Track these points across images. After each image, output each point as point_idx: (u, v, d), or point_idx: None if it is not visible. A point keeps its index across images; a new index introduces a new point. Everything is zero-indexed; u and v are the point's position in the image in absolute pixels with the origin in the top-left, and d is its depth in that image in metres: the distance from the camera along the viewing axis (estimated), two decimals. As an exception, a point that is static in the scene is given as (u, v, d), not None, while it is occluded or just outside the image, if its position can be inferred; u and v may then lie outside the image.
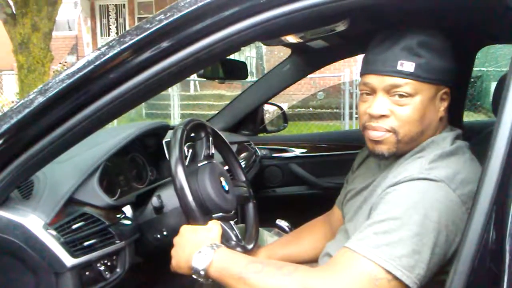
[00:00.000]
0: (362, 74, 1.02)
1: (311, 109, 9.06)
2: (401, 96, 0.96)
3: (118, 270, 1.17)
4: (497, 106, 1.10)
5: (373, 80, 0.98)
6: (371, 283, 0.83)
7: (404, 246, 0.84)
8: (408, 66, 0.95)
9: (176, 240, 1.04)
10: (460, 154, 0.98)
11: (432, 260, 0.85)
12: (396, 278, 0.83)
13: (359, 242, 0.88)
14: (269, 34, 0.89)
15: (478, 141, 1.18)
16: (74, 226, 1.08)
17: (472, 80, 1.95)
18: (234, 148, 1.51)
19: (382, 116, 0.97)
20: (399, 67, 0.95)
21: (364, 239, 0.87)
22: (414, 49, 0.95)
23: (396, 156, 1.01)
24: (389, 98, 0.97)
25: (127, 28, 10.33)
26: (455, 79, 1.01)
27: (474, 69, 1.88)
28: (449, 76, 0.99)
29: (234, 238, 1.12)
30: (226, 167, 1.41)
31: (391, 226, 0.86)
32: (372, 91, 0.99)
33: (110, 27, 12.48)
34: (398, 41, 0.97)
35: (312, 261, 1.25)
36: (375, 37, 1.02)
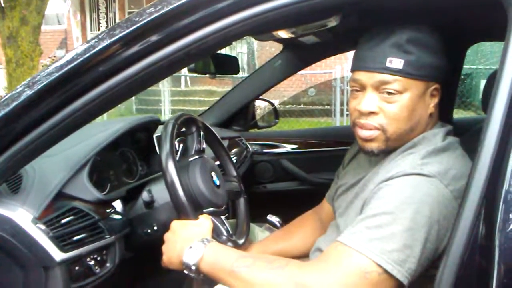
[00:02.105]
0: (352, 70, 1.02)
1: (302, 105, 9.08)
2: (390, 93, 0.96)
3: (108, 265, 1.17)
4: (486, 103, 1.11)
5: (363, 76, 0.98)
6: (362, 276, 0.83)
7: (396, 240, 0.84)
8: (397, 63, 0.95)
9: (167, 235, 1.04)
10: (452, 150, 0.98)
11: (423, 255, 0.86)
12: (386, 272, 0.83)
13: (351, 236, 0.88)
14: (261, 28, 0.89)
15: (467, 137, 1.19)
16: (63, 221, 1.08)
17: (462, 77, 1.96)
18: (225, 143, 1.51)
19: (371, 113, 0.98)
20: (388, 64, 0.95)
21: (356, 233, 0.88)
22: (403, 45, 0.95)
23: (386, 152, 1.02)
24: (378, 95, 0.97)
25: (118, 22, 10.23)
26: (445, 76, 1.01)
27: (464, 66, 1.89)
28: (439, 72, 1.00)
29: (225, 233, 1.12)
30: (217, 162, 1.41)
31: (383, 220, 0.86)
32: (362, 88, 0.99)
33: (100, 21, 12.37)
34: (387, 37, 0.97)
35: (303, 256, 1.26)
36: (365, 33, 1.02)
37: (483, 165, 0.71)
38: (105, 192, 1.28)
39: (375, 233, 0.86)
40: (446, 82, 1.03)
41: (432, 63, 0.97)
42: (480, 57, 7.06)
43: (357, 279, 0.84)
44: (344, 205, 1.10)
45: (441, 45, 1.00)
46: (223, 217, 1.18)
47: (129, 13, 11.74)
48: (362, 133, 1.00)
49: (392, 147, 1.00)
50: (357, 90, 1.01)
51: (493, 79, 0.85)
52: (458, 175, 0.92)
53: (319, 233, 1.25)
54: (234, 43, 0.98)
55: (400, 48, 0.95)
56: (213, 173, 1.21)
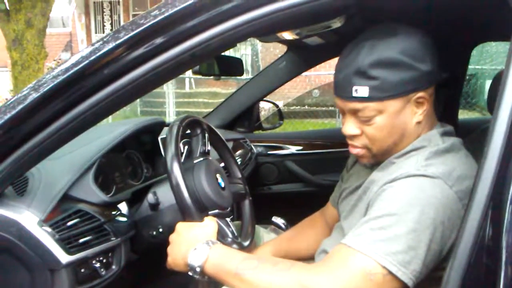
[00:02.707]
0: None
1: (306, 107, 9.06)
2: (367, 117, 0.97)
3: (113, 267, 1.17)
4: (492, 103, 1.10)
5: (339, 102, 1.01)
6: (366, 278, 0.83)
7: (400, 242, 0.84)
8: (362, 91, 0.94)
9: (172, 237, 1.04)
10: (456, 151, 0.98)
11: (428, 257, 0.85)
12: (391, 273, 0.83)
13: (355, 238, 0.88)
14: (265, 30, 0.89)
15: (472, 138, 1.18)
16: (69, 223, 1.08)
17: (466, 78, 1.95)
18: (229, 145, 1.51)
19: (354, 136, 1.01)
20: (354, 94, 0.95)
21: (360, 235, 0.88)
22: (366, 72, 0.93)
23: (382, 161, 1.03)
24: (356, 118, 0.99)
25: (122, 25, 10.26)
26: (432, 79, 0.97)
27: (469, 67, 1.88)
28: (419, 81, 0.94)
29: (230, 235, 1.12)
30: (222, 164, 1.41)
31: (388, 222, 0.86)
32: (342, 112, 1.02)
33: (105, 24, 12.42)
34: (350, 64, 0.95)
35: (309, 259, 1.25)
36: (340, 54, 1.01)
37: (490, 166, 0.70)
38: (110, 194, 1.28)
39: (380, 234, 0.85)
40: (450, 82, 1.02)
41: (403, 79, 0.93)
42: (485, 57, 7.03)
43: (361, 281, 0.83)
44: (348, 208, 1.10)
45: (420, 52, 0.94)
46: (228, 219, 1.18)
47: (134, 15, 11.78)
48: (352, 150, 1.05)
49: (382, 159, 1.02)
50: (342, 113, 1.03)
51: (499, 79, 0.84)
52: (462, 176, 0.91)
53: (326, 234, 1.25)
54: (238, 44, 0.98)
55: (363, 75, 0.93)
56: (218, 175, 1.21)
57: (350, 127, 1.00)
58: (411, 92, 0.95)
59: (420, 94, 0.96)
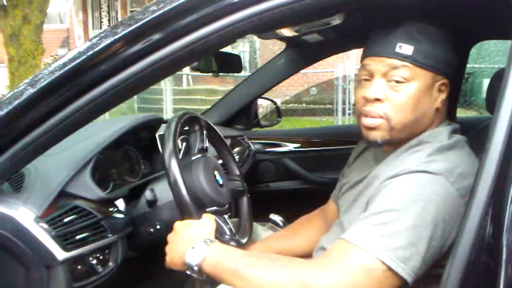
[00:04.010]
0: (362, 58, 1.03)
1: (304, 104, 9.07)
2: (397, 81, 0.96)
3: (110, 264, 1.16)
4: (491, 102, 1.10)
5: (372, 62, 0.99)
6: (366, 273, 0.83)
7: (401, 238, 0.84)
8: (406, 49, 0.96)
9: (170, 236, 1.04)
10: (459, 148, 0.98)
11: (428, 253, 0.85)
12: (391, 269, 0.83)
13: (355, 234, 0.87)
14: (264, 26, 0.88)
15: (471, 137, 1.18)
16: (66, 220, 1.07)
17: (465, 76, 1.95)
18: (227, 142, 1.50)
19: (377, 100, 0.98)
20: (397, 49, 0.96)
21: (360, 231, 0.87)
22: (413, 34, 0.97)
23: (391, 146, 1.01)
24: (386, 83, 0.98)
25: (120, 21, 10.24)
26: (454, 72, 1.02)
27: (467, 65, 1.88)
28: (448, 67, 1.00)
29: (228, 232, 1.11)
30: (220, 161, 1.40)
31: (388, 218, 0.86)
32: (370, 75, 1.00)
33: (102, 20, 12.38)
34: (398, 25, 0.98)
35: (307, 255, 1.25)
36: (377, 23, 1.03)
37: (491, 164, 0.70)
38: (107, 191, 1.27)
39: (380, 230, 0.85)
40: (451, 80, 1.03)
41: (441, 55, 0.98)
42: (483, 56, 7.04)
43: (361, 276, 0.83)
44: (348, 202, 1.09)
45: (451, 40, 1.01)
46: (226, 216, 1.17)
47: (131, 11, 11.73)
48: (366, 121, 1.00)
49: (396, 137, 0.99)
50: (365, 79, 1.01)
51: (497, 78, 0.84)
52: (464, 173, 0.91)
53: (324, 232, 1.25)
54: (236, 41, 0.98)
55: (410, 36, 0.96)
56: (216, 172, 1.20)
57: (376, 89, 0.98)
58: (441, 73, 0.99)
59: (445, 80, 1.00)
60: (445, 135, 0.99)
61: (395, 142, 1.00)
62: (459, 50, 1.05)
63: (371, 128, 1.00)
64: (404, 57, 0.96)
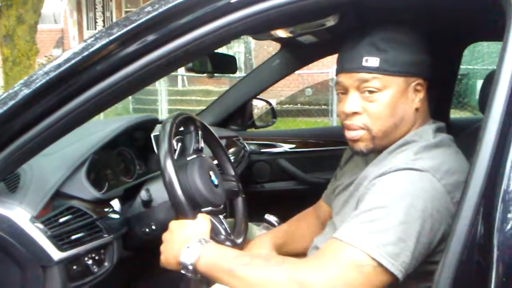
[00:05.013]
0: (336, 74, 1.05)
1: (299, 105, 9.07)
2: (370, 92, 0.98)
3: (106, 264, 1.17)
4: (484, 103, 1.11)
5: (344, 78, 1.02)
6: (357, 270, 0.84)
7: (390, 234, 0.85)
8: (372, 61, 0.97)
9: (165, 236, 1.04)
10: (446, 147, 1.00)
11: (417, 249, 0.86)
12: (381, 265, 0.84)
13: (346, 232, 0.89)
14: (259, 27, 0.89)
15: (463, 137, 1.20)
16: (61, 220, 1.07)
17: (458, 77, 1.97)
18: (223, 143, 1.51)
19: (355, 113, 1.00)
20: (364, 63, 0.98)
21: (350, 229, 0.89)
22: (377, 44, 0.98)
23: (377, 151, 1.03)
24: (360, 95, 1.00)
25: (115, 21, 10.21)
26: (430, 71, 1.02)
27: (460, 67, 1.90)
28: (420, 68, 1.01)
29: (223, 232, 1.12)
30: (215, 161, 1.41)
31: (377, 215, 0.88)
32: (345, 90, 1.02)
33: (97, 20, 12.34)
34: (362, 38, 1.00)
35: (301, 254, 1.26)
36: (345, 37, 1.04)
37: (482, 164, 0.71)
38: (103, 191, 1.27)
39: (369, 227, 0.87)
40: (442, 82, 1.04)
41: (410, 59, 0.99)
42: (476, 57, 7.08)
43: (353, 273, 0.85)
44: (340, 204, 1.11)
45: (421, 42, 1.02)
46: (221, 216, 1.18)
47: (126, 12, 11.70)
48: (349, 134, 1.04)
49: (380, 145, 1.02)
50: (342, 93, 1.04)
51: (490, 79, 0.85)
52: (451, 170, 0.93)
53: (317, 230, 1.26)
54: (231, 42, 0.98)
55: (374, 47, 0.98)
56: (211, 172, 1.21)
57: (352, 103, 1.00)
58: (414, 75, 1.00)
59: (420, 81, 1.01)
60: (430, 133, 1.01)
61: (380, 149, 1.03)
62: (449, 53, 1.07)
63: (354, 140, 1.03)
64: (371, 70, 0.97)
